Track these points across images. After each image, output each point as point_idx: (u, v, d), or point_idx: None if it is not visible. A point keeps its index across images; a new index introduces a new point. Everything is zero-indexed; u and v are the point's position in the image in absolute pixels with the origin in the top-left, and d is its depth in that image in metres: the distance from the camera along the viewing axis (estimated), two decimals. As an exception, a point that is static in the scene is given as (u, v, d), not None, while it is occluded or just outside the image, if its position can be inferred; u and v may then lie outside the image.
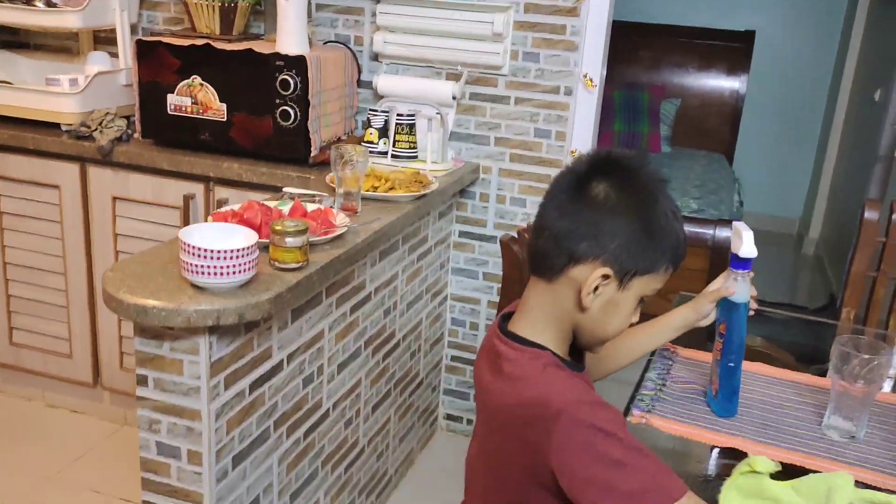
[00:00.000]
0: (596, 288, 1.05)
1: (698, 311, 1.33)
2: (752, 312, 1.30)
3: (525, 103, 2.36)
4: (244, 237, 1.40)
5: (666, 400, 1.34)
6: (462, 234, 2.51)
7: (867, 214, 1.79)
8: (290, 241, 1.46)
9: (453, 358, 2.61)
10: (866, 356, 1.22)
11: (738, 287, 1.28)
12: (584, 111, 2.32)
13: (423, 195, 2.00)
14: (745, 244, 1.25)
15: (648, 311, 1.18)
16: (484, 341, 1.22)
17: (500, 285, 2.50)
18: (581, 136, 2.34)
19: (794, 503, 1.07)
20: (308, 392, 1.72)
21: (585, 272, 1.06)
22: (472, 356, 2.58)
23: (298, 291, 1.46)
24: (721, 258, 3.32)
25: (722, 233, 3.31)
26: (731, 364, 1.29)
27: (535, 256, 1.13)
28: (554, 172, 2.41)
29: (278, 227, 1.47)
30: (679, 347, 1.51)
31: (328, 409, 1.82)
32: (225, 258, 1.35)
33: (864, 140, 3.98)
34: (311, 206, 1.73)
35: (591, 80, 2.29)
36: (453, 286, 2.55)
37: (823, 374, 1.41)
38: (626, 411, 1.31)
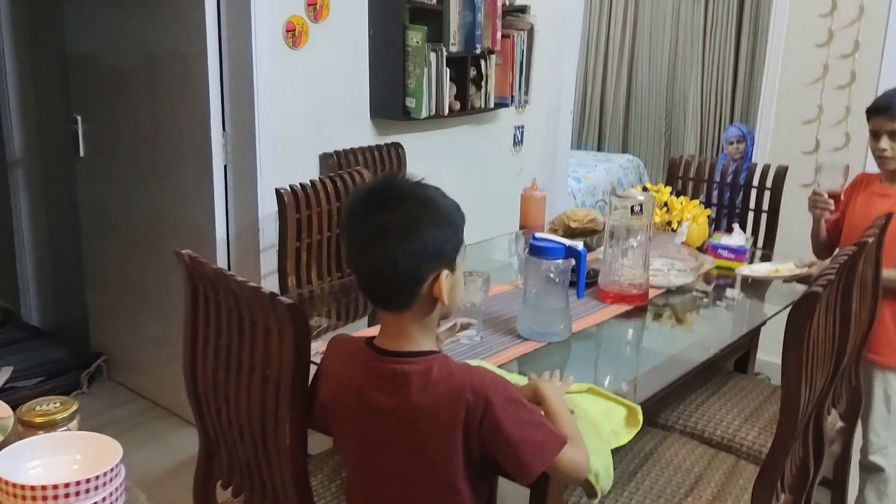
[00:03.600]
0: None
1: None
2: None
3: None
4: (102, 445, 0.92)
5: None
6: None
7: (285, 198, 2.19)
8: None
9: None
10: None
11: None
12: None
13: None
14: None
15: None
16: (351, 381, 1.29)
17: None
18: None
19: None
20: None
21: (432, 283, 1.24)
22: None
23: None
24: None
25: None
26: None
27: (381, 299, 1.26)
28: None
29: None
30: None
31: None
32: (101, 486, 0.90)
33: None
34: None
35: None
36: None
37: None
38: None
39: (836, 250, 2.37)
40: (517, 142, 3.75)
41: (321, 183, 2.37)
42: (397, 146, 3.03)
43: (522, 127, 3.75)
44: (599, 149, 6.63)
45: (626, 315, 2.06)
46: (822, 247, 2.44)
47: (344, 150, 2.87)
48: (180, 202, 2.83)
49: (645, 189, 2.49)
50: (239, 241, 2.77)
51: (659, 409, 2.10)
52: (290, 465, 1.39)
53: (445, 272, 1.26)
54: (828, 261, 2.37)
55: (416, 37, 2.84)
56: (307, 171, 2.77)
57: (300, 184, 2.31)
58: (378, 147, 2.97)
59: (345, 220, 1.28)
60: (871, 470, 2.35)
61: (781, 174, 2.78)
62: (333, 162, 2.82)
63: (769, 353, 2.66)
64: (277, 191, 2.24)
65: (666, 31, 6.28)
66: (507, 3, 3.28)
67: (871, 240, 1.85)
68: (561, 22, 3.74)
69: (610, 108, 6.61)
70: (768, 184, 2.79)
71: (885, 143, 2.21)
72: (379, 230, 1.20)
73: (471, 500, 1.30)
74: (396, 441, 1.27)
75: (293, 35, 2.64)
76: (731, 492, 1.80)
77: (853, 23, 3.16)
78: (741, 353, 2.47)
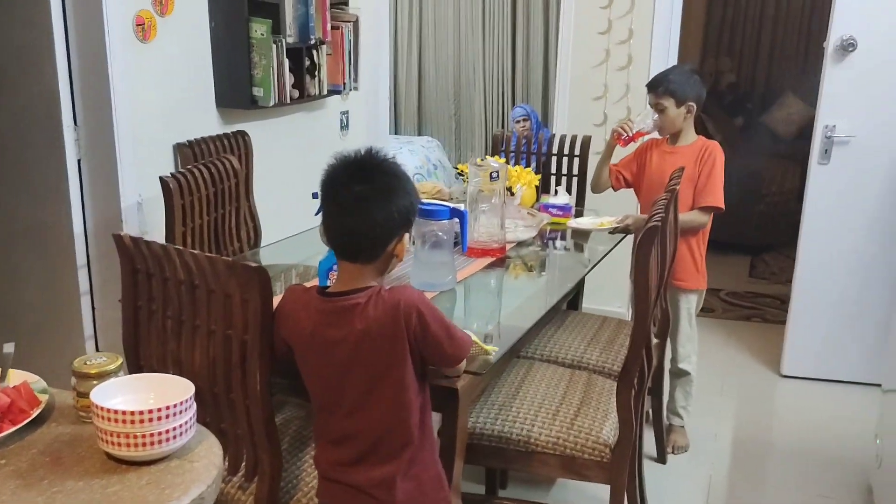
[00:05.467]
0: None
1: None
2: None
3: None
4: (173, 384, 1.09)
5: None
6: None
7: (170, 185, 2.29)
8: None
9: None
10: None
11: None
12: None
13: None
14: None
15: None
16: (304, 325, 1.52)
17: None
18: None
19: None
20: None
21: (396, 243, 1.55)
22: None
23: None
24: None
25: None
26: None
27: (352, 252, 1.52)
28: None
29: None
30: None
31: None
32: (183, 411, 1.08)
33: None
34: None
35: None
36: None
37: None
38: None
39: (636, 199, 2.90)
40: (343, 126, 3.99)
41: (198, 170, 2.48)
42: (243, 134, 3.16)
43: (347, 112, 4.00)
44: (396, 132, 7.00)
45: (490, 266, 2.42)
46: (603, 179, 2.95)
47: (196, 139, 2.96)
48: (29, 201, 2.77)
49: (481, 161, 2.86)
50: (98, 234, 2.78)
51: (521, 344, 2.49)
52: (261, 408, 1.59)
53: (406, 234, 1.55)
54: (637, 213, 2.91)
55: (260, 29, 2.99)
56: (164, 162, 2.84)
57: (180, 171, 2.41)
58: (226, 135, 3.09)
59: (328, 186, 1.52)
60: (679, 375, 2.92)
61: (587, 143, 3.29)
62: (188, 151, 2.91)
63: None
64: (162, 178, 2.33)
65: (448, 21, 6.76)
66: (333, -4, 3.51)
67: (678, 187, 2.35)
68: (374, 12, 4.03)
69: (403, 93, 7.00)
70: (577, 151, 3.29)
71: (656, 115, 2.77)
72: (362, 196, 1.46)
73: (420, 413, 1.59)
74: (353, 366, 1.52)
75: (143, 29, 2.70)
76: (593, 396, 2.22)
77: (627, 14, 3.76)
78: (573, 295, 2.94)
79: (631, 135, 2.78)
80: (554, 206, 2.87)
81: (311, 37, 3.31)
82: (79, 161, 2.72)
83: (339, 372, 1.55)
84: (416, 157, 5.62)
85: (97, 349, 2.93)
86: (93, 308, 2.86)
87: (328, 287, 1.58)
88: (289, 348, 1.62)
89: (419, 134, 6.92)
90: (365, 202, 1.48)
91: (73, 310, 2.84)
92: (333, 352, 1.53)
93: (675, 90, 2.71)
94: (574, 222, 2.83)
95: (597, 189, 3.00)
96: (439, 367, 1.63)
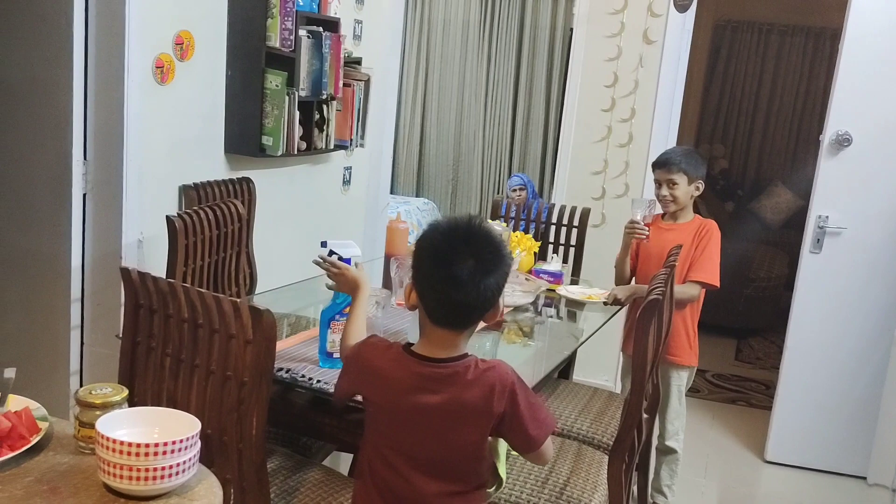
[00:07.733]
0: None
1: None
2: None
3: None
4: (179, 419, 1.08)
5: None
6: None
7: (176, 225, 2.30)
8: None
9: None
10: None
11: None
12: None
13: None
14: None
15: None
16: (398, 383, 1.51)
17: None
18: None
19: None
20: None
21: (493, 307, 1.54)
22: None
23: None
24: None
25: None
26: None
27: (454, 321, 1.51)
28: None
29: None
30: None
31: None
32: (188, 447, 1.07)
33: None
34: None
35: None
36: None
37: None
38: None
39: (633, 277, 2.94)
40: (346, 181, 4.03)
41: (203, 212, 2.50)
42: (248, 180, 3.19)
43: (351, 168, 4.04)
44: (393, 192, 7.07)
45: (486, 329, 2.42)
46: (626, 274, 2.97)
47: (202, 182, 2.99)
48: (28, 230, 2.77)
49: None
50: (95, 269, 2.77)
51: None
52: (255, 453, 1.57)
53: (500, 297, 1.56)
54: (630, 285, 2.93)
55: (275, 80, 3.05)
56: (169, 202, 2.86)
57: (186, 212, 2.43)
58: (231, 181, 3.11)
59: (432, 257, 1.50)
60: (666, 452, 2.91)
61: (586, 215, 3.34)
62: (193, 193, 2.93)
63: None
64: (168, 217, 2.35)
65: (453, 88, 6.91)
66: (346, 55, 3.59)
67: (676, 263, 2.38)
68: (385, 72, 4.12)
69: (403, 154, 7.10)
70: (575, 222, 3.34)
71: (665, 190, 2.82)
72: (474, 269, 1.46)
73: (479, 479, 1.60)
74: (440, 432, 1.51)
75: (161, 71, 2.75)
76: (582, 467, 2.21)
77: (630, 94, 3.87)
78: (564, 364, 2.94)
79: (648, 231, 2.80)
80: (546, 273, 2.90)
81: (324, 92, 3.37)
82: (84, 195, 2.73)
83: (419, 439, 1.53)
84: (410, 218, 5.68)
85: (81, 385, 2.89)
86: (81, 343, 2.84)
87: (412, 346, 1.55)
88: (350, 398, 1.60)
89: (417, 195, 6.99)
90: (479, 274, 1.47)
91: (61, 344, 2.81)
92: (425, 418, 1.51)
93: (687, 168, 2.78)
94: (564, 290, 2.86)
95: (622, 282, 2.96)
96: (518, 450, 1.61)
